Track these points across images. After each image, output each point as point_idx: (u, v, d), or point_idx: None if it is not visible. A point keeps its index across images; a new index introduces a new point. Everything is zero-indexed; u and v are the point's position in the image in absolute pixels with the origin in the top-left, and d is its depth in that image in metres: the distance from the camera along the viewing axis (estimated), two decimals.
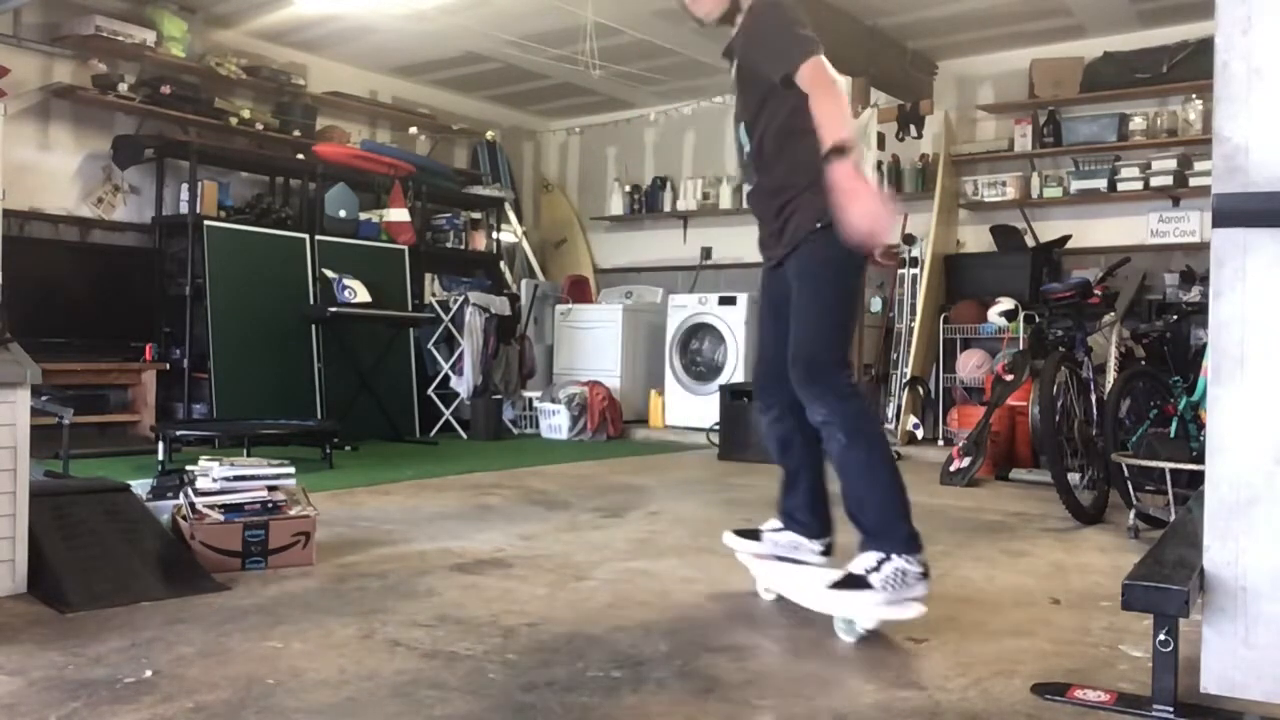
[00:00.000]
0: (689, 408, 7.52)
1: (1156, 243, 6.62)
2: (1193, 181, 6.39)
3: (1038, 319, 6.02)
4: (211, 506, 2.97)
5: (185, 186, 6.52)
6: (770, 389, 2.68)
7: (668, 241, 8.73)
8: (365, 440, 6.44)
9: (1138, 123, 6.61)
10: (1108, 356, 5.44)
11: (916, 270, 7.13)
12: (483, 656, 2.20)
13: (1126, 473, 3.91)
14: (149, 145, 6.48)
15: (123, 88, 6.36)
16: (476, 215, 8.37)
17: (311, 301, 6.68)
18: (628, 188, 8.85)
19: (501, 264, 8.50)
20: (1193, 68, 6.32)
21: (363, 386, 6.75)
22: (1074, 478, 4.27)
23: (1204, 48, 6.12)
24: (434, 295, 7.70)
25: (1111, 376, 5.18)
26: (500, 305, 7.44)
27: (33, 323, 5.06)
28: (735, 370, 7.36)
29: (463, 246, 8.16)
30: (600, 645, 2.30)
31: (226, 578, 2.82)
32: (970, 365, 6.71)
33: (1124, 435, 4.23)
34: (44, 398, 3.76)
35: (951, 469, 5.27)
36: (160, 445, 4.87)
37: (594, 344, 8.03)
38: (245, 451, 4.88)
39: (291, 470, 3.16)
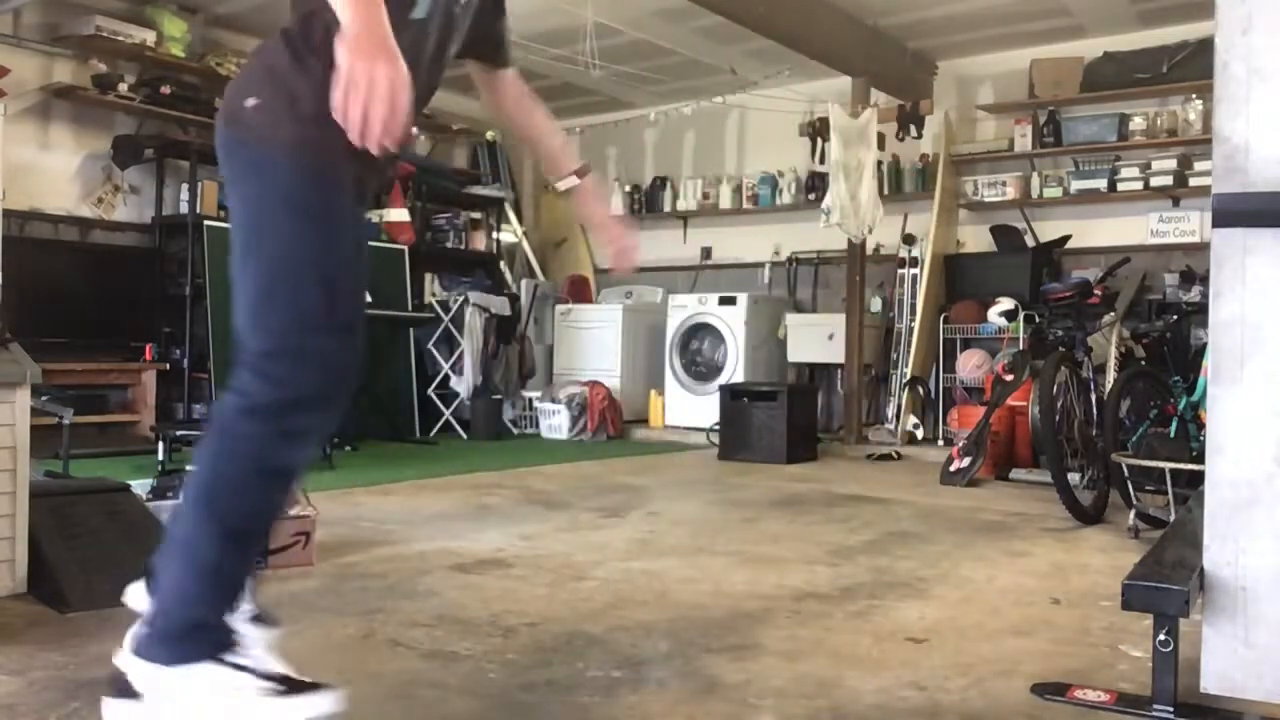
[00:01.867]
0: (689, 408, 7.51)
1: (1156, 243, 6.62)
2: (1193, 181, 6.39)
3: (1038, 319, 6.02)
4: None
5: (185, 186, 6.52)
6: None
7: (668, 241, 8.72)
8: (365, 440, 6.43)
9: (1138, 123, 6.60)
10: (1108, 356, 5.44)
11: (916, 270, 7.13)
12: (483, 656, 2.20)
13: (1126, 473, 3.91)
14: (149, 145, 6.48)
15: (123, 88, 6.36)
16: (476, 215, 8.36)
17: None
18: (628, 188, 8.85)
19: (501, 264, 8.50)
20: (1193, 68, 6.32)
21: (363, 386, 6.72)
22: (1074, 478, 4.27)
23: (1204, 48, 6.11)
24: (434, 295, 7.70)
25: (1111, 376, 5.18)
26: (500, 305, 7.44)
27: (33, 323, 5.05)
28: (735, 370, 7.36)
29: (463, 246, 8.16)
30: (600, 645, 2.30)
31: None
32: (970, 365, 6.71)
33: (1124, 435, 4.23)
34: (44, 398, 3.76)
35: (951, 469, 5.27)
36: (160, 445, 4.87)
37: (594, 344, 8.02)
38: None
39: None
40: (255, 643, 1.59)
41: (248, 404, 1.55)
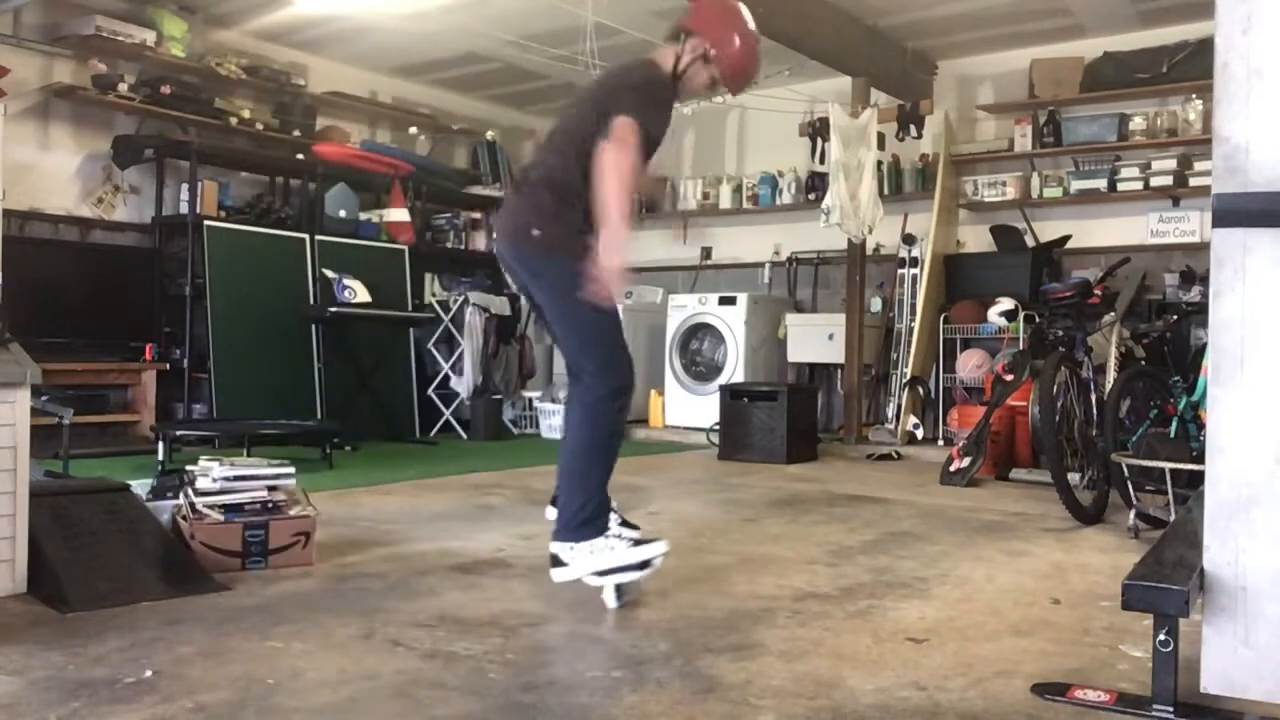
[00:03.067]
0: (689, 408, 7.51)
1: (1156, 243, 6.62)
2: (1193, 181, 6.39)
3: (1038, 319, 6.02)
4: (211, 506, 2.97)
5: (185, 186, 6.52)
6: None
7: (668, 241, 8.72)
8: (365, 440, 6.43)
9: (1138, 123, 6.60)
10: (1108, 356, 5.44)
11: (916, 270, 7.13)
12: (483, 656, 2.20)
13: (1126, 473, 3.91)
14: (149, 145, 6.48)
15: (123, 88, 6.35)
16: (476, 215, 8.36)
17: (311, 301, 6.68)
18: None
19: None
20: (1193, 68, 6.32)
21: (363, 386, 6.75)
22: (1074, 478, 4.27)
23: (1204, 48, 6.11)
24: (434, 295, 7.70)
25: (1111, 376, 5.18)
26: (500, 305, 7.44)
27: (33, 323, 5.05)
28: (735, 370, 7.36)
29: (463, 246, 8.16)
30: (600, 645, 2.30)
31: (226, 578, 2.81)
32: (970, 365, 6.71)
33: (1124, 435, 4.23)
34: (44, 398, 3.76)
35: (951, 469, 5.27)
36: (160, 445, 4.87)
37: None
38: (245, 451, 4.88)
39: (291, 470, 3.16)
40: (617, 524, 2.77)
41: (604, 393, 2.70)
